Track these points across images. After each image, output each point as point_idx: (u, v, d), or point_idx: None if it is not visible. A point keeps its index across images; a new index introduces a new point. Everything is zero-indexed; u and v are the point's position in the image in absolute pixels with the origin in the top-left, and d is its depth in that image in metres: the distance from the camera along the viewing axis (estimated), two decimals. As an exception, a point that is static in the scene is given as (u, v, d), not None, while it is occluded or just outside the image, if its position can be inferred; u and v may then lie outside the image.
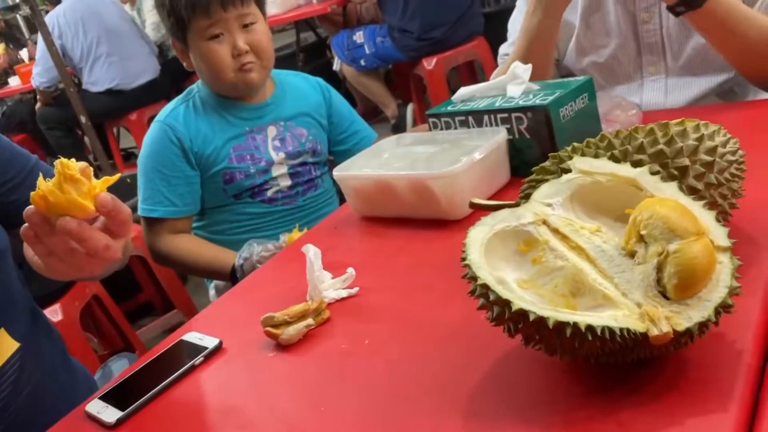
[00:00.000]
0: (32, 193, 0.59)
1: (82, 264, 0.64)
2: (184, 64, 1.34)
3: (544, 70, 1.18)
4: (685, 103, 1.17)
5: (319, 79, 1.47)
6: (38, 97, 4.09)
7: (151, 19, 4.61)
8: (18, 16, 6.49)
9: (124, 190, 2.69)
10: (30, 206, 0.60)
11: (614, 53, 1.20)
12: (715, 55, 1.10)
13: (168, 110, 1.34)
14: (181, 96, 1.37)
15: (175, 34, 1.29)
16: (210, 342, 0.73)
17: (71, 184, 0.58)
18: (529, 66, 0.99)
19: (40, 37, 3.81)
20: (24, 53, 4.60)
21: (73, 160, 0.59)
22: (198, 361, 0.71)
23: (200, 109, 1.33)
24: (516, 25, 1.31)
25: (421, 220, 0.91)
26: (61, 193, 0.58)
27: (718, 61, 1.11)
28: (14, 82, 4.45)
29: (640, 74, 1.21)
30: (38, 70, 3.87)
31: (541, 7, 1.13)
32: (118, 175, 0.65)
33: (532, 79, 0.99)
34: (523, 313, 0.47)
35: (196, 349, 0.73)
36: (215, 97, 1.34)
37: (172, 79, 4.35)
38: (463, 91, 1.05)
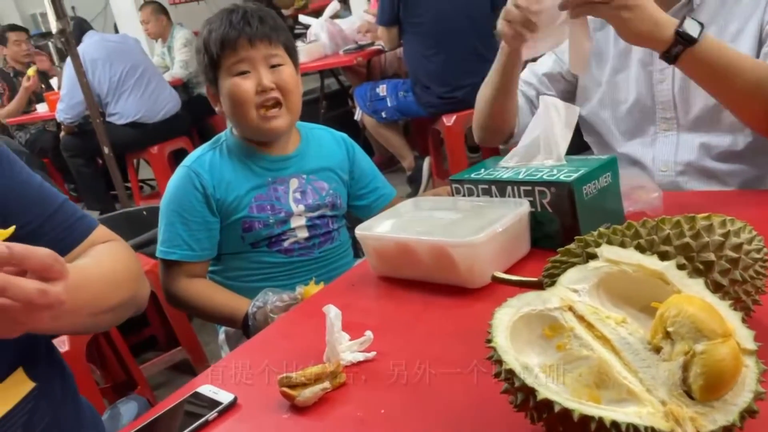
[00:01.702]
0: None
1: (20, 317, 0.60)
2: (216, 109, 1.38)
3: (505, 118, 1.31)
4: (695, 157, 1.21)
5: (345, 135, 1.49)
6: (62, 126, 4.18)
7: (180, 57, 4.75)
8: (50, 43, 6.69)
9: (140, 222, 2.74)
10: None
11: (631, 109, 1.28)
12: (723, 115, 1.15)
13: (195, 156, 1.36)
14: (209, 143, 1.40)
15: (207, 75, 1.33)
16: (225, 397, 0.74)
17: None
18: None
19: (65, 73, 3.93)
20: (54, 81, 4.72)
21: None
22: (212, 417, 0.71)
23: (226, 157, 1.35)
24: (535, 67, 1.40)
25: (439, 285, 0.92)
26: None
27: (727, 122, 1.16)
28: (41, 108, 4.55)
29: (654, 129, 1.27)
30: (62, 106, 3.95)
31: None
32: (12, 229, 0.62)
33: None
34: (548, 403, 0.47)
35: (211, 403, 0.73)
36: (242, 146, 1.37)
37: (193, 115, 4.45)
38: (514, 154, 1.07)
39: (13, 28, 5.25)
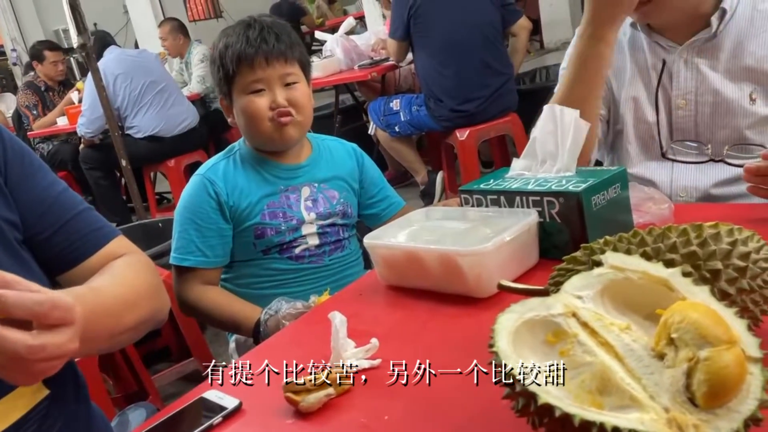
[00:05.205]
0: None
1: (20, 368, 0.58)
2: (228, 120, 1.40)
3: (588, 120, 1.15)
4: (713, 184, 1.18)
5: (355, 146, 1.51)
6: (82, 139, 4.25)
7: (197, 72, 4.83)
8: (72, 59, 6.83)
9: (156, 233, 2.77)
10: None
11: (651, 132, 1.25)
12: (751, 147, 1.12)
13: (209, 165, 1.38)
14: (222, 152, 1.42)
15: (222, 89, 1.35)
16: (230, 402, 0.74)
17: None
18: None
19: (86, 88, 4.00)
20: (74, 95, 4.81)
21: None
22: (216, 421, 0.71)
23: (239, 165, 1.38)
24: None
25: (446, 295, 0.92)
26: None
27: (755, 153, 1.12)
28: (62, 122, 4.63)
29: (671, 153, 1.24)
30: (83, 120, 4.02)
31: (589, 30, 1.10)
32: None
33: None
34: (548, 408, 0.47)
35: (216, 408, 0.73)
36: (254, 155, 1.39)
37: (210, 129, 4.51)
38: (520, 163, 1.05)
39: (52, 47, 5.19)
